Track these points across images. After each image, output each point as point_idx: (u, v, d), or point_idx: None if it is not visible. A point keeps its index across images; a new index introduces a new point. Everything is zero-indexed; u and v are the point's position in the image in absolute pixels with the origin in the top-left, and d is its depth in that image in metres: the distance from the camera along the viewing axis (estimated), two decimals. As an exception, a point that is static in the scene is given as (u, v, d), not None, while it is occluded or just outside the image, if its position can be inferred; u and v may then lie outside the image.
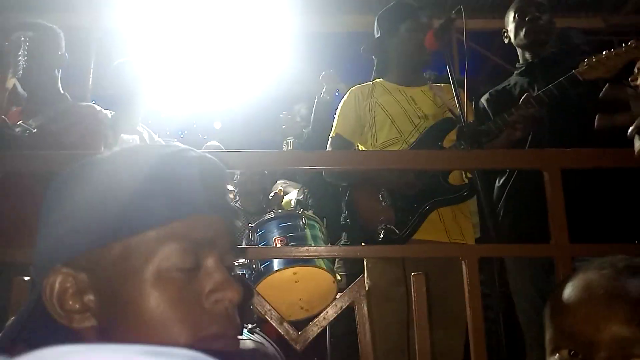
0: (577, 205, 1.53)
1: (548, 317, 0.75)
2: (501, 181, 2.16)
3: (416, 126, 2.09)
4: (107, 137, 2.19)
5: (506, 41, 2.33)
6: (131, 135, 2.58)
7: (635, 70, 1.76)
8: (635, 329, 0.63)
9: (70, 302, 0.59)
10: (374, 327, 1.40)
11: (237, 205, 3.06)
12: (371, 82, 2.25)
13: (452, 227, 1.97)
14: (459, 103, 1.82)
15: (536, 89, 2.05)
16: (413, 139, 2.06)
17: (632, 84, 1.62)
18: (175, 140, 3.32)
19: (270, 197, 3.08)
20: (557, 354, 0.70)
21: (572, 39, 2.39)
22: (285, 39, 4.36)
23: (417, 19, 2.15)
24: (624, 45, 1.79)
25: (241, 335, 0.60)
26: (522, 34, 2.19)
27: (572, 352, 0.68)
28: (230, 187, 0.69)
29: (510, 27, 2.26)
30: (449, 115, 2.12)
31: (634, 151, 1.28)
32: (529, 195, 1.66)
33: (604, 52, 1.80)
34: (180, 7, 4.01)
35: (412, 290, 1.35)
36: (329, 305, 1.39)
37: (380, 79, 2.25)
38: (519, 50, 2.29)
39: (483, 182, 1.61)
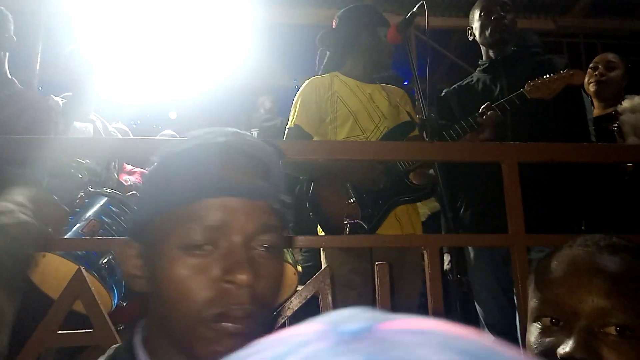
0: (533, 197, 1.59)
1: (533, 287, 0.79)
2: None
3: (377, 125, 2.11)
4: (58, 125, 2.10)
5: (471, 39, 2.38)
6: (84, 124, 2.49)
7: None
8: (613, 300, 0.69)
9: (132, 268, 0.69)
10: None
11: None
12: (328, 75, 2.21)
13: (405, 224, 2.04)
14: (420, 96, 1.85)
15: (498, 85, 2.13)
16: (374, 137, 2.09)
17: None
18: (128, 128, 3.22)
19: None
20: (539, 322, 0.75)
21: (526, 41, 2.46)
22: (245, 29, 4.30)
23: (386, 26, 2.18)
24: (562, 71, 1.97)
25: (256, 316, 0.64)
26: (487, 32, 2.25)
27: (554, 320, 0.73)
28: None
29: (476, 25, 2.32)
30: (404, 116, 2.19)
31: (589, 146, 1.33)
32: (490, 188, 1.72)
33: (547, 76, 1.96)
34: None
35: (376, 280, 1.37)
36: (293, 295, 1.38)
37: (336, 72, 2.22)
38: (482, 48, 2.36)
39: (444, 174, 1.65)
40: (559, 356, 0.69)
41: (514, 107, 1.97)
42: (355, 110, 2.11)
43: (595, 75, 2.62)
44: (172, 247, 0.64)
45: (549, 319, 0.74)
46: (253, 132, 3.88)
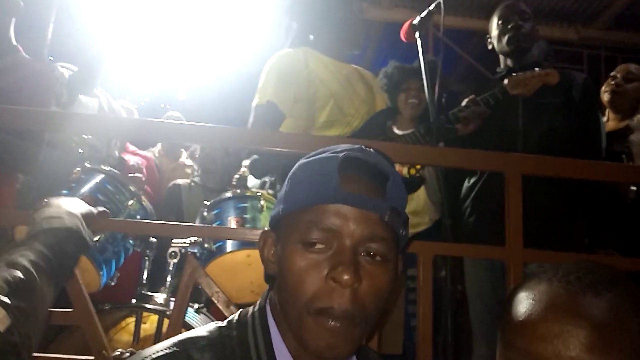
0: (536, 211, 1.54)
1: (501, 329, 0.71)
2: (471, 181, 2.19)
3: (357, 109, 1.97)
4: (61, 96, 2.08)
5: (489, 47, 2.33)
6: (89, 98, 2.47)
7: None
8: (596, 356, 0.59)
9: (269, 254, 0.81)
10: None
11: (196, 180, 2.97)
12: (300, 50, 1.98)
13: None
14: (430, 98, 1.81)
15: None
16: (355, 123, 1.95)
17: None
18: (135, 107, 3.19)
19: (235, 179, 3.00)
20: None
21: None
22: (262, 14, 4.25)
23: (363, 1, 2.10)
24: (537, 69, 2.00)
25: (356, 318, 0.72)
26: (504, 41, 2.21)
27: None
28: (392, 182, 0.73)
29: (494, 33, 2.27)
30: (380, 102, 2.10)
31: (596, 164, 1.29)
32: (496, 198, 1.70)
33: (525, 73, 1.99)
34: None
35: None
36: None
37: (307, 48, 2.00)
38: (500, 57, 2.31)
39: (448, 181, 1.61)
40: None
41: (497, 101, 1.98)
42: (335, 91, 1.93)
43: (612, 84, 2.55)
44: (294, 241, 0.75)
45: None
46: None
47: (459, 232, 2.07)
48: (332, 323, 0.71)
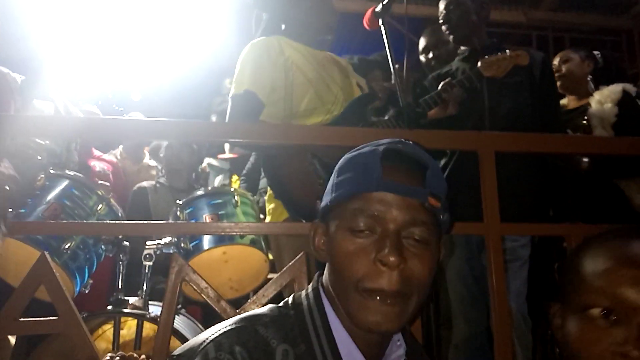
0: (510, 186, 1.59)
1: (580, 273, 0.77)
2: (442, 163, 2.23)
3: (335, 95, 1.92)
4: (16, 102, 1.99)
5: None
6: (44, 102, 2.38)
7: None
8: None
9: (320, 243, 0.89)
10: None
11: (162, 181, 2.90)
12: (274, 38, 1.91)
13: None
14: (397, 84, 1.83)
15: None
16: (336, 110, 1.90)
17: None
18: (93, 107, 3.09)
19: (195, 175, 2.95)
20: (586, 313, 0.73)
21: None
22: (214, 9, 4.18)
23: None
24: (507, 51, 2.07)
25: (405, 296, 0.78)
26: (447, 30, 2.34)
27: (605, 312, 0.71)
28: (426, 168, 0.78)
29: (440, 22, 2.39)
30: (357, 87, 2.07)
31: (565, 137, 1.34)
32: (467, 177, 1.74)
33: (497, 55, 2.07)
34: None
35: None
36: (268, 282, 1.35)
37: (281, 36, 1.94)
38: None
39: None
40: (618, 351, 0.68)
41: (472, 83, 2.05)
42: (312, 78, 1.88)
43: (555, 74, 2.71)
44: (342, 229, 0.81)
45: (600, 309, 0.72)
46: (213, 118, 3.77)
47: None
48: (386, 301, 0.77)
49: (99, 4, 3.93)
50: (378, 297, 0.77)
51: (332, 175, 0.89)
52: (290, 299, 0.88)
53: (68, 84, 2.70)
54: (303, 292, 0.88)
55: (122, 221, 1.94)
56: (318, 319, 0.83)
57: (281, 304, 0.87)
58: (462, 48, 2.37)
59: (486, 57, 2.06)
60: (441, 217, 0.82)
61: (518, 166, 1.98)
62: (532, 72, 2.18)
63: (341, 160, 0.90)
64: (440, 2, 2.35)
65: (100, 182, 2.41)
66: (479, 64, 2.06)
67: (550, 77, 2.27)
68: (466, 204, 1.56)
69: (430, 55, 2.69)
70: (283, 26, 1.98)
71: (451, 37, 2.33)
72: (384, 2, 1.91)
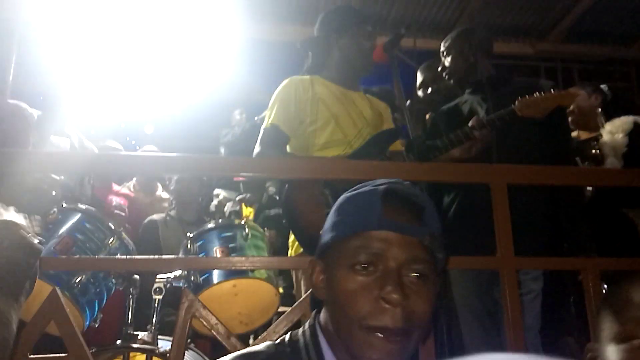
0: (522, 220, 1.57)
1: (623, 305, 0.80)
2: (450, 196, 2.21)
3: (359, 130, 2.01)
4: (33, 137, 2.03)
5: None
6: (60, 138, 2.42)
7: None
8: None
9: (318, 280, 0.89)
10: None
11: (172, 214, 2.91)
12: (308, 76, 2.09)
13: None
14: (407, 116, 1.85)
15: (485, 107, 2.14)
16: (357, 143, 1.98)
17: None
18: (114, 143, 3.14)
19: (212, 207, 2.96)
20: (628, 343, 0.76)
21: None
22: (227, 45, 4.26)
23: (367, 26, 2.13)
24: (553, 90, 1.98)
25: (408, 333, 0.80)
26: (445, 76, 2.37)
27: None
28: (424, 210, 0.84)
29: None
30: (388, 124, 2.14)
31: (576, 170, 1.33)
32: (477, 210, 1.72)
33: (538, 94, 1.96)
34: (117, 6, 3.82)
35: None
36: (278, 317, 1.33)
37: (317, 76, 2.10)
38: None
39: (432, 196, 1.62)
40: None
41: (503, 123, 1.98)
42: (337, 113, 2.00)
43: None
44: (343, 266, 0.83)
45: None
46: (220, 149, 3.81)
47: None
48: (389, 339, 0.78)
49: (114, 39, 4.03)
50: (382, 335, 0.78)
51: (331, 214, 0.91)
52: (287, 336, 0.89)
53: (83, 118, 2.75)
54: (300, 330, 0.90)
55: (132, 256, 1.93)
56: (314, 355, 0.84)
57: (278, 341, 0.89)
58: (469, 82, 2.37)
59: (526, 96, 1.97)
60: (438, 254, 0.85)
61: (529, 199, 1.95)
62: None
63: (340, 199, 0.92)
64: (441, 44, 2.37)
65: (116, 211, 2.43)
66: (516, 103, 1.97)
67: (560, 110, 2.25)
68: (476, 238, 1.55)
69: (429, 90, 2.70)
70: (322, 68, 2.13)
71: (450, 81, 2.35)
72: (392, 37, 1.96)
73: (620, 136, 2.49)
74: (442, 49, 2.37)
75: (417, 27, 4.35)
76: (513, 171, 1.51)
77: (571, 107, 2.68)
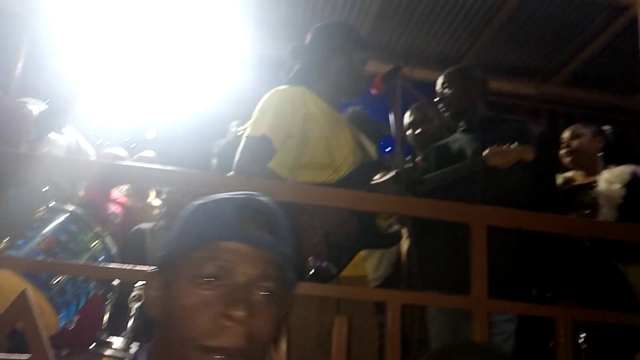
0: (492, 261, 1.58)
1: None
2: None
3: (345, 157, 1.93)
4: (29, 134, 2.05)
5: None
6: (59, 136, 2.44)
7: None
8: None
9: (152, 295, 0.81)
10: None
11: (162, 224, 2.92)
12: (299, 88, 1.95)
13: (357, 261, 1.86)
14: (398, 148, 1.86)
15: (473, 148, 2.17)
16: (343, 171, 1.90)
17: None
18: (120, 150, 3.17)
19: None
20: None
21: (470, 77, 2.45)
22: (234, 59, 4.31)
23: (364, 52, 2.07)
24: (515, 145, 2.07)
25: (248, 353, 0.74)
26: (442, 109, 2.41)
27: None
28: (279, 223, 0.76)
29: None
30: (368, 154, 2.10)
31: (558, 218, 1.34)
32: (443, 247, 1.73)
33: (504, 146, 2.07)
34: (127, 13, 3.88)
35: (334, 332, 1.33)
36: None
37: (306, 89, 1.96)
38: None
39: (413, 230, 1.64)
40: None
41: (474, 168, 2.08)
42: (328, 135, 1.91)
43: (564, 149, 2.71)
44: (185, 280, 0.75)
45: None
46: (213, 161, 3.81)
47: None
48: (224, 357, 0.71)
49: (121, 45, 4.08)
50: (220, 356, 0.71)
51: (175, 224, 0.84)
52: None
53: (86, 121, 2.77)
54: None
55: (110, 265, 1.94)
56: None
57: None
58: (462, 122, 2.39)
59: (493, 146, 2.09)
60: (289, 274, 0.81)
61: (501, 240, 1.95)
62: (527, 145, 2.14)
63: (188, 207, 0.85)
64: (439, 78, 2.40)
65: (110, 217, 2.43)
66: (486, 151, 2.08)
67: (546, 153, 2.24)
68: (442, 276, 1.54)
69: (418, 131, 2.74)
70: (311, 81, 2.00)
71: (446, 113, 2.38)
72: (391, 68, 1.97)
73: (617, 187, 2.48)
74: (442, 80, 2.39)
75: (424, 58, 4.39)
76: (494, 213, 1.52)
77: (572, 145, 2.67)
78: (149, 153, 3.73)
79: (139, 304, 2.03)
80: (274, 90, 1.94)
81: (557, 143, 2.73)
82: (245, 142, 1.85)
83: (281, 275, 0.79)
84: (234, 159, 1.85)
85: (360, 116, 2.34)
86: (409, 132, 2.82)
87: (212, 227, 0.77)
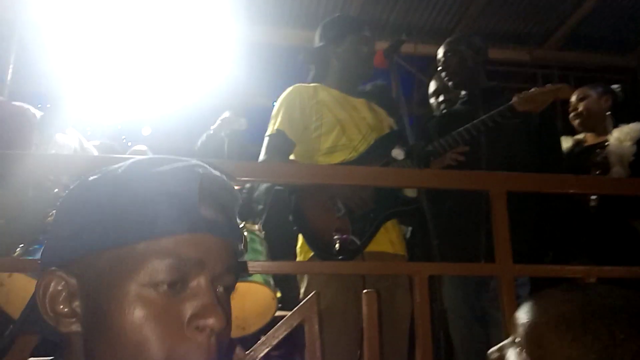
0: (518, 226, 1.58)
1: None
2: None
3: (364, 135, 2.04)
4: (35, 137, 2.03)
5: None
6: (65, 137, 2.42)
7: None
8: None
9: (61, 306, 0.60)
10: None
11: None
12: (312, 85, 2.13)
13: (394, 238, 1.96)
14: (406, 123, 1.86)
15: (478, 116, 2.17)
16: (362, 148, 2.01)
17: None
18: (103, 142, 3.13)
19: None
20: None
21: (471, 46, 2.42)
22: (226, 47, 4.27)
23: (364, 32, 2.15)
24: (551, 85, 2.02)
25: None
26: (444, 79, 2.40)
27: None
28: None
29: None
30: (386, 128, 2.15)
31: (577, 178, 1.34)
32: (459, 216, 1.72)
33: (534, 89, 2.01)
34: (116, 7, 3.82)
35: (364, 308, 1.34)
36: (277, 322, 1.33)
37: (319, 84, 2.14)
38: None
39: (430, 202, 1.64)
40: None
41: (503, 119, 2.01)
42: (341, 118, 2.03)
43: (571, 112, 2.71)
44: (131, 285, 0.56)
45: None
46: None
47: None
48: None
49: (112, 40, 4.03)
50: None
51: (92, 206, 0.60)
52: None
53: (82, 119, 2.74)
54: None
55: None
56: None
57: None
58: (462, 92, 2.39)
59: (523, 92, 2.03)
60: (241, 260, 0.67)
61: (514, 207, 1.96)
62: (530, 114, 2.13)
63: (109, 183, 0.62)
64: (439, 49, 2.39)
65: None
66: (514, 98, 2.03)
67: (550, 119, 2.24)
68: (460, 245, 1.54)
69: (441, 98, 2.72)
70: (324, 76, 2.18)
71: (450, 83, 2.37)
72: (392, 44, 1.97)
73: (628, 144, 2.47)
74: (443, 49, 2.37)
75: (416, 32, 4.36)
76: (513, 179, 1.52)
77: (579, 108, 2.67)
78: (142, 147, 3.69)
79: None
80: (287, 89, 2.11)
81: (554, 107, 2.73)
82: (266, 141, 2.02)
83: (238, 264, 0.65)
84: (213, 155, 1.97)
85: (379, 90, 2.36)
86: (432, 99, 2.80)
87: (168, 213, 0.58)
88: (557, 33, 4.59)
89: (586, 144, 2.65)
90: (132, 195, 0.59)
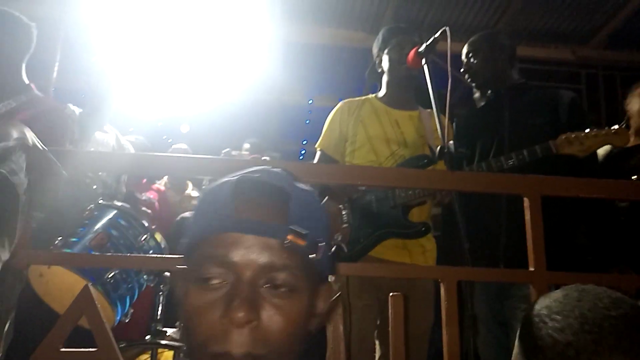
0: (554, 233, 1.54)
1: None
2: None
3: (393, 152, 2.05)
4: (73, 134, 2.08)
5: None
6: (104, 134, 2.48)
7: None
8: None
9: (177, 292, 0.72)
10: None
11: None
12: (362, 98, 2.21)
13: (416, 253, 1.97)
14: (439, 123, 1.82)
15: (503, 116, 2.11)
16: (388, 164, 2.03)
17: None
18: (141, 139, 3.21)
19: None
20: None
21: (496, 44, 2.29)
22: (263, 46, 4.31)
23: (404, 36, 2.13)
24: (606, 128, 1.77)
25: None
26: (468, 79, 2.31)
27: None
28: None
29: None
30: (427, 148, 2.10)
31: (612, 183, 1.29)
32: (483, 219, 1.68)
33: (585, 132, 1.76)
34: (155, 6, 3.91)
35: (390, 311, 1.32)
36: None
37: (372, 96, 2.22)
38: None
39: (461, 205, 1.60)
40: None
41: (535, 159, 1.81)
42: (373, 135, 2.08)
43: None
44: (190, 279, 0.67)
45: None
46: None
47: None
48: None
49: (153, 40, 4.12)
50: None
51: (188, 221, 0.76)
52: None
53: (123, 116, 2.81)
54: None
55: (163, 255, 1.97)
56: None
57: None
58: (488, 92, 2.30)
59: (571, 133, 1.78)
60: (312, 256, 0.67)
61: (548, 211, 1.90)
62: (558, 113, 2.02)
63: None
64: (463, 48, 2.32)
65: (143, 208, 2.49)
66: (557, 140, 1.79)
67: (579, 119, 2.04)
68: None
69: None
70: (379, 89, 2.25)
71: (473, 84, 2.29)
72: (428, 42, 1.92)
73: None
74: (467, 49, 2.30)
75: (455, 31, 4.29)
76: (549, 182, 1.47)
77: (627, 109, 2.54)
78: (182, 146, 3.78)
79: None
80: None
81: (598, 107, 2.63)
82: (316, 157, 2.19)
83: (298, 260, 0.66)
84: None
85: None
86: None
87: (211, 219, 0.68)
88: (602, 31, 4.43)
89: (628, 145, 2.52)
90: (200, 206, 0.74)
